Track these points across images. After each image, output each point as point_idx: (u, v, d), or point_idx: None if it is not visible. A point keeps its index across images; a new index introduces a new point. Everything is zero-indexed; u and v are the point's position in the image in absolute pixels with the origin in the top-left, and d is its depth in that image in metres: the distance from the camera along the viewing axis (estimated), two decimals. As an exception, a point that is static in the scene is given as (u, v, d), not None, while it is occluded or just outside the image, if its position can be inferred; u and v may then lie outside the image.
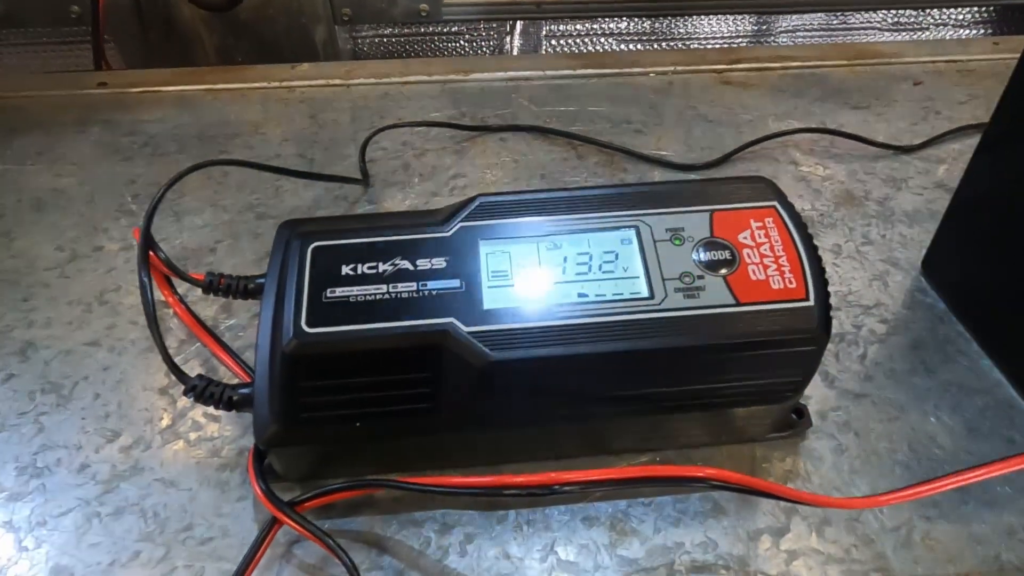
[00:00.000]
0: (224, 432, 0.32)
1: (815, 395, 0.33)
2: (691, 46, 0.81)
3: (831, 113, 0.54)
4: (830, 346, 0.35)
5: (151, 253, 0.31)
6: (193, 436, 0.32)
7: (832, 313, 0.34)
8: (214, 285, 0.31)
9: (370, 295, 0.27)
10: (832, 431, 0.31)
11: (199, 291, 0.38)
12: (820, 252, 0.28)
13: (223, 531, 0.28)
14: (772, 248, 0.28)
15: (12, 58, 0.75)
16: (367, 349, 0.26)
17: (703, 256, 0.28)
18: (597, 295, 0.27)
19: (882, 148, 0.49)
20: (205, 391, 0.28)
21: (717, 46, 0.81)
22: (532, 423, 0.27)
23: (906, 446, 0.31)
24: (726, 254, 0.28)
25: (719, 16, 0.80)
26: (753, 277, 0.27)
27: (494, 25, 0.79)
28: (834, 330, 0.35)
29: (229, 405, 0.28)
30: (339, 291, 0.27)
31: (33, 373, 0.35)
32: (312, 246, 0.28)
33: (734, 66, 0.60)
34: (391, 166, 0.49)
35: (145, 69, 0.63)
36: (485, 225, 0.29)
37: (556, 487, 0.24)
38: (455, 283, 0.27)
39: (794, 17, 0.81)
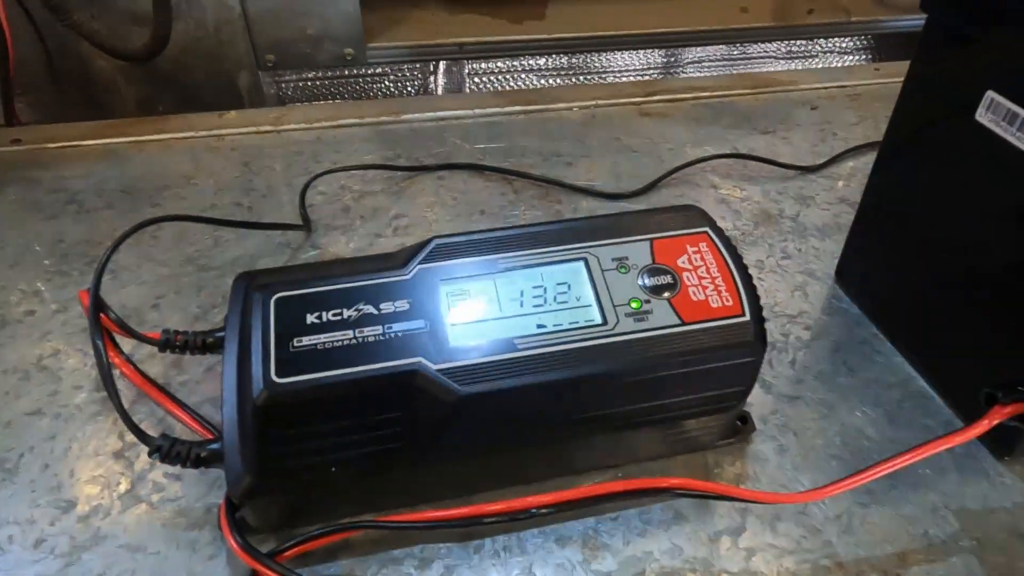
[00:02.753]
0: (188, 491, 0.31)
1: (755, 401, 0.35)
2: (607, 79, 0.86)
3: (742, 139, 0.58)
4: (765, 354, 0.38)
5: (103, 315, 0.31)
6: (156, 498, 0.31)
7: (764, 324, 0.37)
8: (171, 343, 0.31)
9: (337, 341, 0.27)
10: (773, 433, 0.34)
11: (147, 350, 0.38)
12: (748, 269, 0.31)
13: (198, 591, 0.28)
14: (708, 270, 0.30)
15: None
16: (339, 394, 0.26)
17: (647, 281, 0.30)
18: (555, 325, 0.28)
19: (790, 169, 0.54)
20: (171, 451, 0.28)
21: (631, 79, 0.86)
22: (501, 450, 0.28)
23: (839, 440, 0.34)
24: (668, 278, 0.30)
25: (631, 51, 0.85)
26: (694, 298, 0.29)
27: (418, 66, 0.81)
28: (766, 348, 0.38)
29: (197, 462, 0.28)
30: (306, 340, 0.27)
31: (-29, 448, 0.33)
32: (275, 297, 0.28)
33: (650, 98, 0.64)
34: (331, 210, 0.50)
35: (68, 124, 0.61)
36: (442, 266, 0.30)
37: (534, 510, 0.26)
38: (420, 323, 0.28)
39: (698, 49, 0.87)
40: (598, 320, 0.29)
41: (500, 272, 0.30)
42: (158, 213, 0.49)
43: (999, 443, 0.32)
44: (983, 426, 0.27)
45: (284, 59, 0.70)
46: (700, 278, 0.30)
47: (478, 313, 0.29)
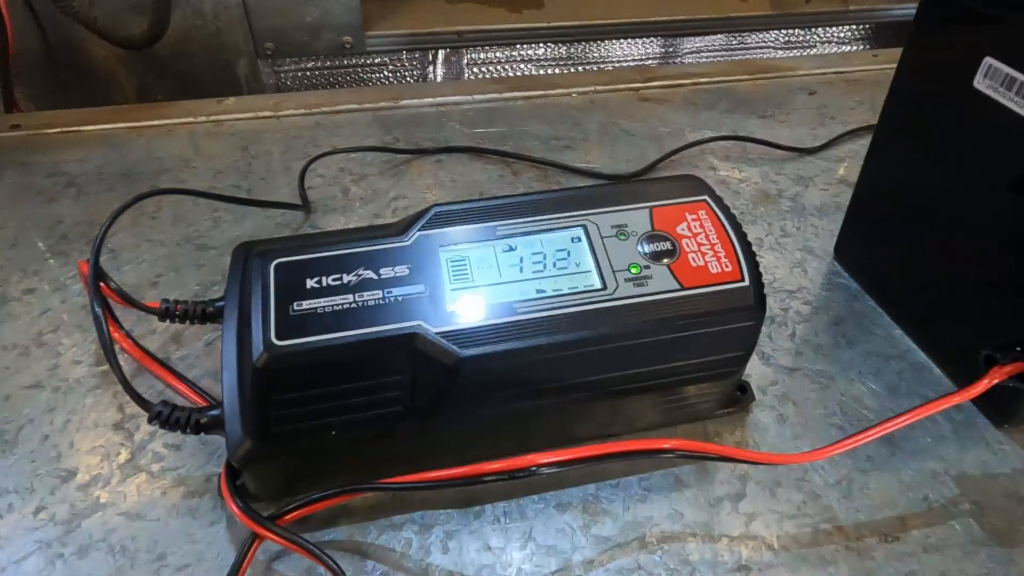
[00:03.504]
0: (188, 461, 0.31)
1: (755, 373, 0.35)
2: (606, 68, 0.86)
3: (740, 122, 0.58)
4: (764, 328, 0.38)
5: (103, 285, 0.31)
6: (156, 467, 0.31)
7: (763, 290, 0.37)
8: (170, 312, 0.31)
9: (337, 305, 0.27)
10: (773, 403, 0.34)
11: (146, 326, 0.38)
12: None
13: (198, 556, 0.28)
14: (707, 237, 0.30)
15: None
16: (339, 357, 0.26)
17: (647, 248, 0.30)
18: (554, 290, 0.28)
19: (788, 151, 0.54)
20: (170, 417, 0.28)
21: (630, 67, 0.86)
22: (501, 415, 0.28)
23: (838, 410, 0.34)
24: (667, 245, 0.30)
25: (630, 40, 0.85)
26: (693, 264, 0.30)
27: (417, 55, 0.81)
28: (765, 313, 0.38)
29: (197, 428, 0.28)
30: (306, 304, 0.27)
31: (-28, 421, 0.33)
32: (274, 263, 0.28)
33: (649, 84, 0.64)
34: (330, 192, 0.50)
35: (67, 110, 0.61)
36: (442, 232, 0.30)
37: (534, 468, 0.26)
38: (419, 288, 0.28)
39: (697, 39, 0.87)
40: (598, 285, 0.29)
41: (499, 239, 0.30)
42: (230, 196, 0.48)
43: (998, 411, 0.33)
44: (982, 386, 0.27)
45: (283, 47, 0.70)
46: (699, 244, 0.30)
47: (478, 278, 0.29)
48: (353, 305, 0.27)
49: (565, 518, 0.29)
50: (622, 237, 0.30)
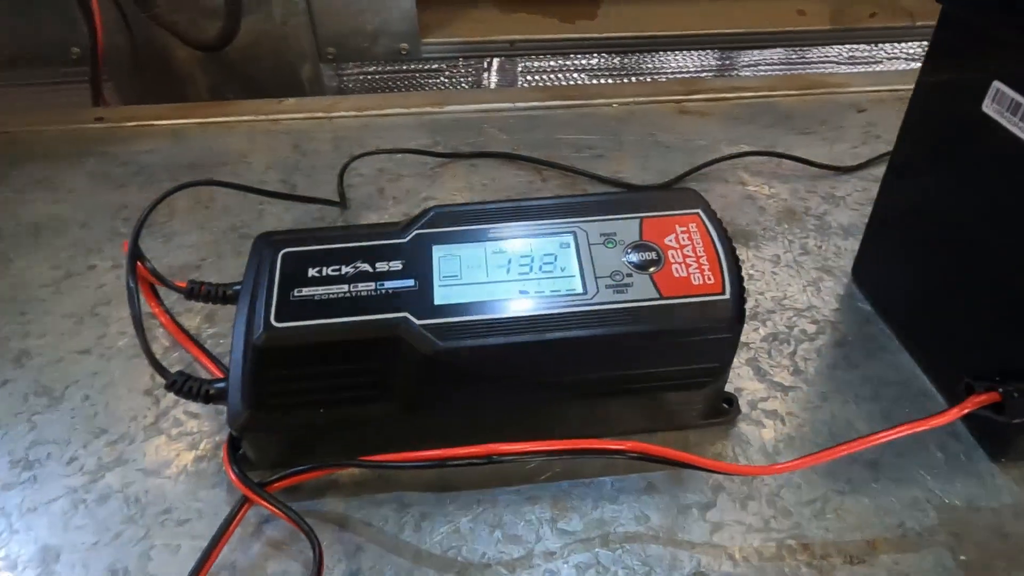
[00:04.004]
0: (202, 428, 0.35)
1: (747, 387, 0.36)
2: (659, 80, 0.86)
3: (779, 138, 0.58)
4: (763, 344, 0.38)
5: (139, 264, 0.35)
6: (174, 432, 0.34)
7: (767, 316, 0.38)
8: (195, 292, 0.34)
9: (333, 294, 0.30)
10: (760, 419, 0.34)
11: (185, 304, 0.42)
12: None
13: (199, 513, 0.31)
14: (694, 249, 0.31)
15: (19, 96, 0.80)
16: (329, 340, 0.29)
17: (632, 257, 0.31)
18: (536, 291, 0.30)
19: (823, 169, 0.53)
20: (184, 386, 0.31)
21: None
22: (479, 408, 0.30)
23: (826, 430, 0.33)
24: (653, 255, 0.31)
25: (684, 52, 0.85)
26: (676, 275, 0.30)
27: (472, 62, 0.84)
28: (768, 330, 0.38)
29: (206, 398, 0.31)
30: (305, 291, 0.30)
31: (27, 378, 0.38)
32: (282, 252, 0.31)
33: (691, 96, 0.64)
34: (367, 191, 0.53)
35: (144, 105, 0.67)
36: (438, 232, 0.32)
37: (495, 456, 0.27)
38: (409, 282, 0.30)
39: (755, 53, 0.86)
40: (578, 289, 0.30)
41: (491, 240, 0.32)
42: (263, 189, 0.52)
43: (995, 444, 0.32)
44: (952, 414, 0.27)
45: (343, 52, 0.74)
46: (685, 256, 0.31)
47: (466, 277, 0.30)
48: (347, 295, 0.30)
49: (535, 509, 0.30)
50: (610, 245, 0.31)
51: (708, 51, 0.85)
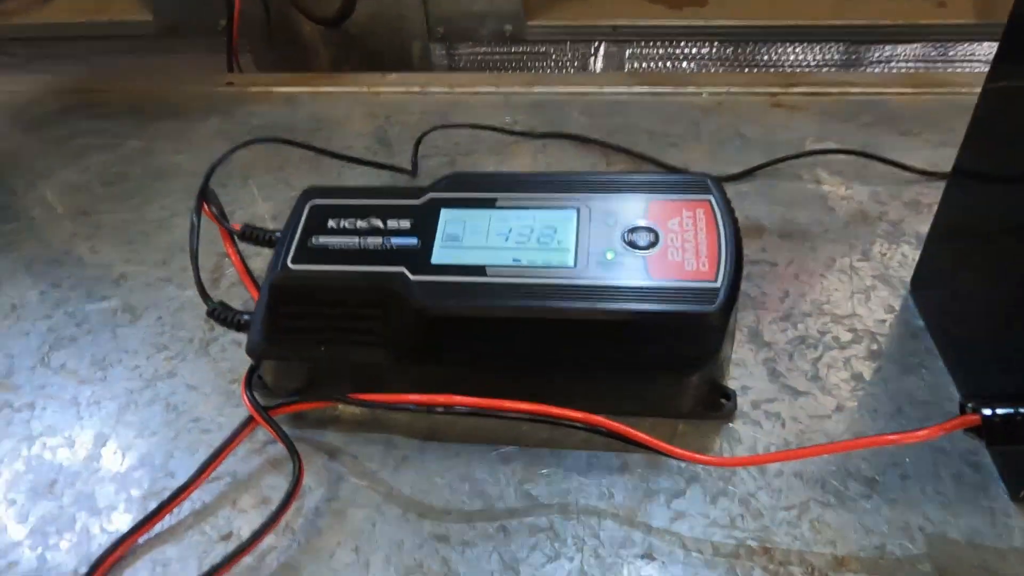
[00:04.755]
0: (241, 356, 0.39)
1: (755, 386, 0.34)
2: (777, 71, 0.82)
3: (876, 138, 0.53)
4: (787, 346, 0.36)
5: (205, 204, 0.39)
6: (218, 355, 0.39)
7: (801, 318, 0.36)
8: (247, 234, 0.39)
9: (344, 244, 0.32)
10: (759, 418, 0.33)
11: (256, 248, 0.46)
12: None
13: (220, 426, 0.35)
14: (696, 235, 0.31)
15: (175, 61, 0.91)
16: (332, 285, 0.31)
17: (630, 237, 0.31)
18: (529, 261, 0.31)
19: (915, 173, 0.49)
20: (222, 314, 0.35)
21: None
22: (461, 366, 0.31)
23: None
24: (651, 237, 0.31)
25: (806, 44, 0.80)
26: (670, 258, 0.30)
27: (579, 47, 0.84)
28: (797, 332, 0.37)
29: (238, 327, 0.35)
30: (322, 239, 0.33)
31: (120, 296, 0.44)
32: (310, 203, 0.34)
33: (789, 89, 0.61)
34: (439, 162, 0.56)
35: (267, 74, 0.74)
36: (451, 196, 0.34)
37: (450, 407, 0.29)
38: (413, 240, 0.32)
39: (888, 48, 0.79)
40: (569, 263, 0.30)
41: (498, 208, 0.33)
42: (325, 149, 0.57)
43: (1014, 480, 0.28)
44: (932, 432, 0.25)
45: (451, 31, 0.77)
46: (684, 241, 0.30)
47: (467, 241, 0.32)
48: (356, 246, 0.32)
49: (507, 470, 0.32)
50: (610, 223, 0.32)
51: (832, 44, 0.79)
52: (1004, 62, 0.30)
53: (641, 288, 0.29)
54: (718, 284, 0.29)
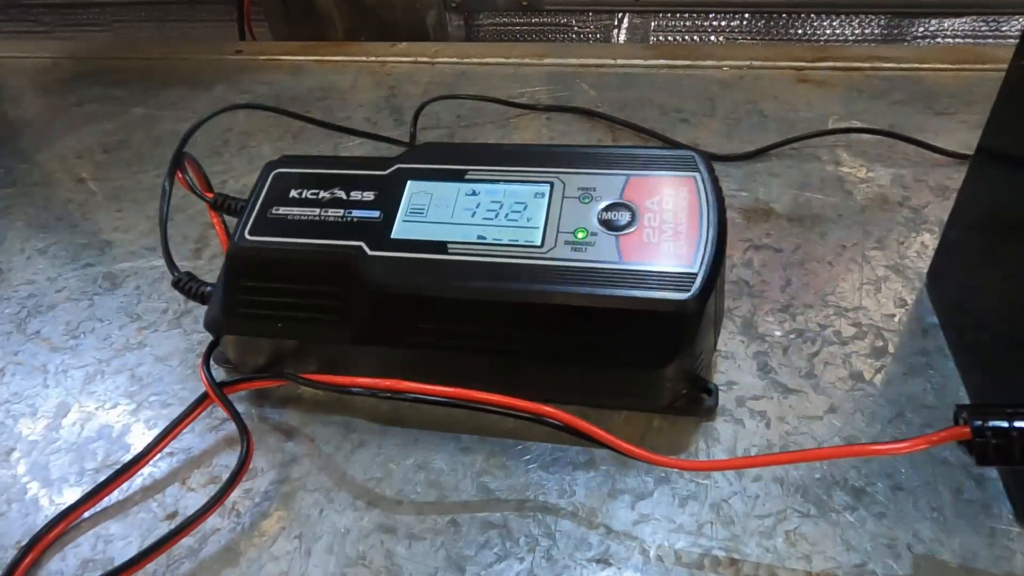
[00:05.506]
0: (213, 328, 0.38)
1: (742, 381, 0.32)
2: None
3: (909, 117, 0.49)
4: (782, 339, 0.34)
5: (178, 172, 0.38)
6: (189, 327, 0.38)
7: (802, 310, 0.34)
8: (218, 203, 0.37)
9: (304, 216, 0.31)
10: (743, 417, 0.30)
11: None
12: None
13: (182, 400, 0.34)
14: (676, 215, 0.28)
15: (193, 28, 0.90)
16: (287, 259, 0.30)
17: (604, 216, 0.28)
18: (494, 238, 0.29)
19: (945, 156, 0.45)
20: (186, 285, 0.34)
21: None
22: (420, 347, 0.30)
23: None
24: (627, 216, 0.28)
25: (844, 17, 0.75)
26: (646, 240, 0.27)
27: (603, 17, 0.81)
28: (795, 325, 0.34)
29: (201, 299, 0.34)
30: (282, 210, 0.31)
31: (103, 264, 0.43)
32: (274, 172, 0.33)
33: (817, 64, 0.57)
34: (439, 134, 0.54)
35: (274, 42, 0.73)
36: (419, 168, 0.32)
37: (401, 392, 0.27)
38: (375, 214, 0.30)
39: (934, 22, 0.74)
40: (536, 242, 0.28)
41: (467, 182, 0.31)
42: (310, 116, 0.56)
43: (1023, 500, 0.25)
44: (914, 444, 0.22)
45: (467, 1, 0.75)
46: (662, 222, 0.28)
47: (431, 215, 0.30)
48: (316, 218, 0.31)
49: (465, 460, 0.30)
50: (585, 200, 0.29)
51: (872, 17, 0.74)
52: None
53: (611, 271, 0.27)
54: (695, 269, 0.26)
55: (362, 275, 0.29)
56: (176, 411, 0.33)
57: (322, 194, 0.31)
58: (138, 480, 0.30)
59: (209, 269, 0.42)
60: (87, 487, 0.30)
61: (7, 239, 0.46)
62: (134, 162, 0.54)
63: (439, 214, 0.30)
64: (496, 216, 0.29)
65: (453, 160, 0.32)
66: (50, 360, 0.37)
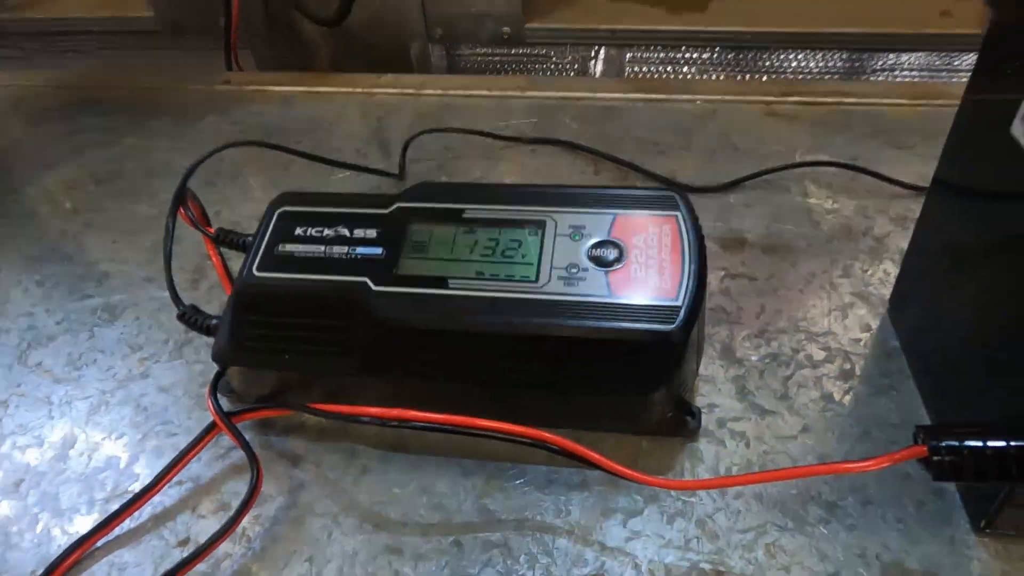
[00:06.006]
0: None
1: (723, 404, 0.34)
2: (780, 79, 0.81)
3: (868, 151, 0.53)
4: (758, 363, 0.36)
5: (180, 209, 0.39)
6: (192, 357, 0.39)
7: (775, 335, 0.36)
8: (220, 238, 0.39)
9: (310, 253, 0.32)
10: (724, 438, 0.32)
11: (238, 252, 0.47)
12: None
13: (187, 430, 0.35)
14: (660, 252, 0.30)
15: (176, 59, 0.91)
16: (295, 294, 0.31)
17: (594, 252, 0.31)
18: (491, 274, 0.31)
19: (905, 188, 0.48)
20: (192, 318, 0.36)
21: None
22: (424, 378, 0.31)
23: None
24: (615, 253, 0.30)
25: (808, 51, 0.79)
26: (633, 275, 0.30)
27: (580, 50, 0.84)
28: (770, 349, 0.36)
29: (207, 331, 0.35)
30: (288, 247, 0.33)
31: (101, 295, 0.44)
32: (279, 210, 0.34)
33: (784, 98, 0.60)
34: (428, 166, 0.56)
35: (265, 72, 0.74)
36: (419, 207, 0.34)
37: (407, 421, 0.29)
38: (378, 251, 0.32)
39: (892, 56, 0.78)
40: (531, 277, 0.30)
41: (465, 220, 0.33)
42: (299, 148, 0.57)
43: (979, 510, 0.28)
44: (877, 462, 0.24)
45: (450, 32, 0.77)
46: (648, 258, 0.30)
47: (432, 252, 0.32)
48: (321, 255, 0.32)
49: (466, 482, 0.31)
50: (576, 238, 0.31)
51: (835, 52, 0.78)
52: (982, 74, 0.30)
53: (602, 305, 0.29)
54: (679, 303, 0.29)
55: (368, 309, 0.30)
56: (182, 440, 0.34)
57: (326, 231, 0.33)
58: (148, 508, 0.32)
59: (208, 300, 0.44)
60: (98, 516, 0.31)
61: (2, 271, 0.47)
62: (127, 193, 0.55)
63: (439, 251, 0.32)
64: (493, 253, 0.31)
65: (450, 199, 0.34)
66: (53, 391, 0.38)
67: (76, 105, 0.70)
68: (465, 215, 0.33)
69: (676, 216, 0.31)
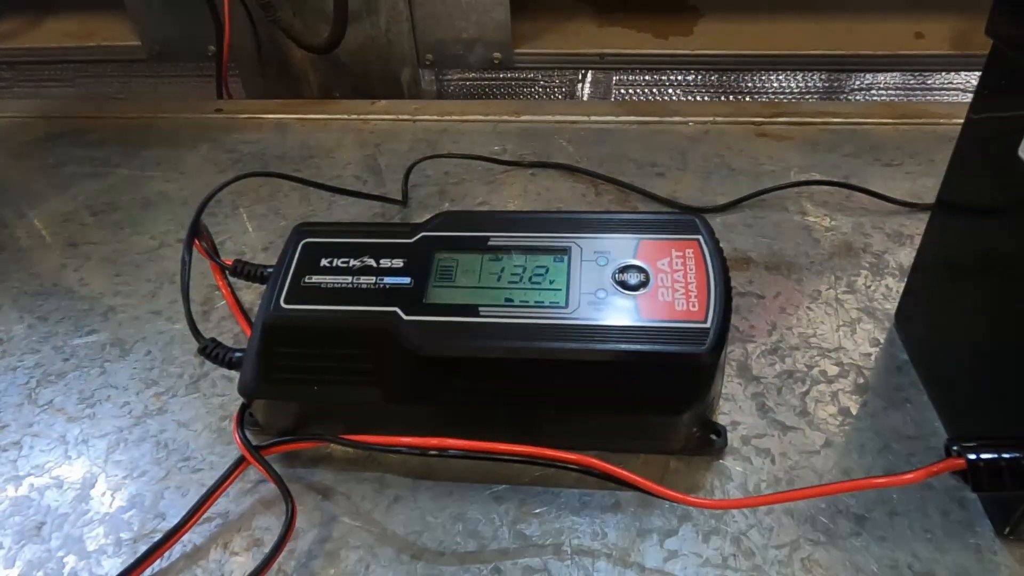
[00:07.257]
0: (233, 392, 0.39)
1: (745, 422, 0.35)
2: (760, 100, 0.83)
3: (858, 168, 0.55)
4: (775, 380, 0.37)
5: (196, 241, 0.39)
6: (209, 391, 0.39)
7: (789, 352, 0.37)
8: (238, 270, 0.39)
9: (337, 284, 0.33)
10: (750, 455, 0.33)
11: (245, 283, 0.46)
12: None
13: (211, 465, 0.35)
14: (685, 275, 0.31)
15: (166, 86, 0.91)
16: (325, 326, 0.31)
17: (620, 276, 0.31)
18: (521, 300, 0.31)
19: (897, 204, 0.50)
20: (213, 351, 0.35)
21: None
22: (455, 405, 0.32)
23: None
24: (641, 277, 0.31)
25: (789, 72, 0.82)
26: (660, 299, 0.30)
27: (567, 74, 0.85)
28: (785, 367, 0.37)
29: (229, 364, 0.35)
30: (315, 278, 0.33)
31: (109, 330, 0.44)
32: (303, 241, 0.35)
33: (774, 119, 0.62)
34: (429, 191, 0.56)
35: (256, 100, 0.74)
36: (443, 236, 0.34)
37: (444, 450, 0.29)
38: (406, 280, 0.32)
39: (868, 76, 0.81)
40: (561, 303, 0.31)
41: (490, 248, 0.33)
42: (299, 175, 0.57)
43: (1003, 516, 0.29)
44: (917, 475, 0.25)
45: (440, 58, 0.78)
46: (674, 281, 0.31)
47: (460, 280, 0.32)
48: (349, 285, 0.32)
49: (500, 510, 0.32)
50: (601, 263, 0.32)
51: (814, 72, 0.81)
52: (985, 94, 0.31)
53: (632, 328, 0.30)
54: (708, 325, 0.29)
55: (399, 338, 0.31)
56: (207, 476, 0.34)
57: (352, 262, 0.33)
58: (178, 548, 0.31)
59: (219, 331, 0.43)
60: (127, 558, 0.31)
61: (3, 307, 0.46)
62: (126, 224, 0.54)
63: (467, 279, 0.32)
64: (520, 280, 0.32)
65: (474, 227, 0.34)
66: (68, 431, 0.37)
67: (63, 135, 0.69)
68: (490, 243, 0.33)
69: (698, 239, 0.32)
